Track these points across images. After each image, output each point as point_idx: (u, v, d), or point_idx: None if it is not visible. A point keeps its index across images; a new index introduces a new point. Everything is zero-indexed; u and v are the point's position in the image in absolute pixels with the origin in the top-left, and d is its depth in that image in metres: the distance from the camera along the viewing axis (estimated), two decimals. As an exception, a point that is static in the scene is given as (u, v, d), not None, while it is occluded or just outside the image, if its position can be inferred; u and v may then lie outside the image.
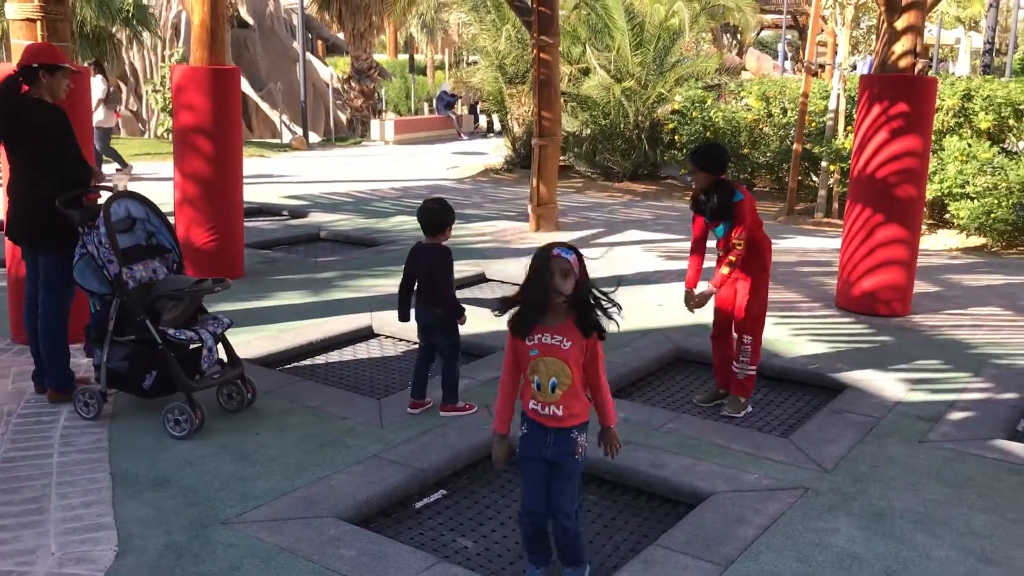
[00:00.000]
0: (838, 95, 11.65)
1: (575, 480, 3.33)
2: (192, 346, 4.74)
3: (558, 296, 3.17)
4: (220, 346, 4.84)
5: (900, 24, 6.78)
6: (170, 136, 21.35)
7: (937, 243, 10.28)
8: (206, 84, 7.40)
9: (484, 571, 3.61)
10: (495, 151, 19.09)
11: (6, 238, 5.28)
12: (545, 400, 3.25)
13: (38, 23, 5.57)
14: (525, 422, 3.35)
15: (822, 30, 13.34)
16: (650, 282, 8.12)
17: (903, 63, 6.84)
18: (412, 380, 5.05)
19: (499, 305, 3.38)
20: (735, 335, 5.17)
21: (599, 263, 8.82)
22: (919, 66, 6.83)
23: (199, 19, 7.57)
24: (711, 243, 5.22)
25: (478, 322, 6.64)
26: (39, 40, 5.54)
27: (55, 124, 4.69)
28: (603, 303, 3.27)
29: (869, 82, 6.95)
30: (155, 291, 4.60)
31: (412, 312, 5.03)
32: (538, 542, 3.39)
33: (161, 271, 4.77)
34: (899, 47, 6.83)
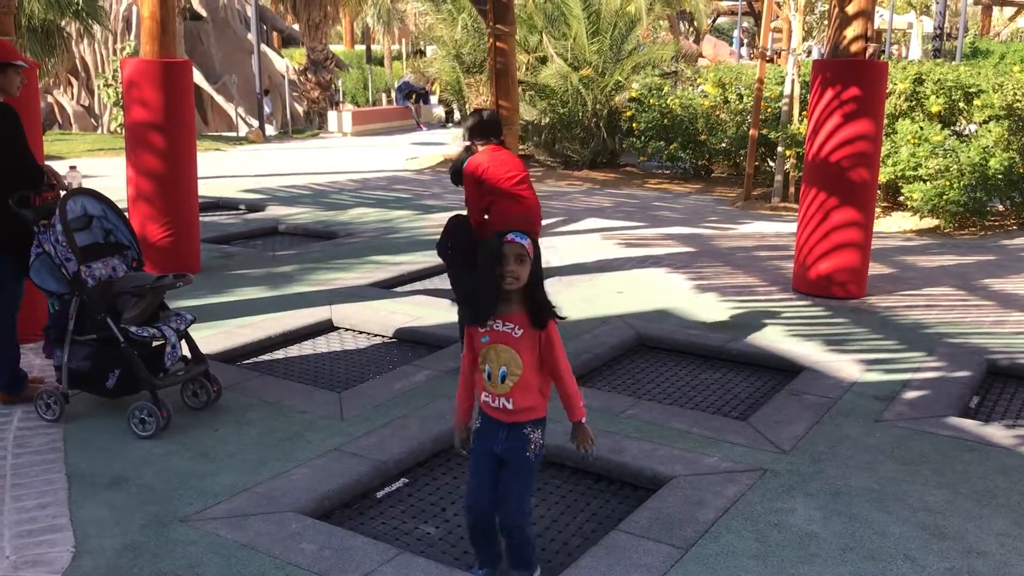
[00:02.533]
0: (792, 80, 11.77)
1: (526, 479, 3.19)
2: (155, 343, 4.68)
3: (513, 283, 3.10)
4: (183, 343, 4.77)
5: (851, 9, 6.85)
6: (123, 131, 21.11)
7: (891, 225, 10.43)
8: (157, 78, 7.28)
9: (447, 556, 3.61)
10: (454, 141, 19.02)
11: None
12: (495, 392, 3.15)
13: (-20, 17, 5.45)
14: (480, 415, 3.26)
15: (776, 16, 13.44)
16: (610, 269, 8.16)
17: (855, 47, 6.91)
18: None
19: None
20: None
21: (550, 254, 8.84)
22: (870, 50, 6.91)
23: (149, 11, 7.44)
24: None
25: (440, 313, 6.64)
26: (-18, 34, 5.43)
27: (6, 122, 4.58)
28: (549, 301, 3.18)
29: (822, 67, 7.03)
30: (115, 288, 4.53)
31: None
32: (483, 539, 3.28)
33: (120, 268, 4.69)
34: (850, 32, 6.90)
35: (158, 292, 4.69)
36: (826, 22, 15.78)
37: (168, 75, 7.33)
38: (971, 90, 10.86)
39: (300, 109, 25.38)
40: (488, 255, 3.13)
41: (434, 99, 26.89)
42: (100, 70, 23.62)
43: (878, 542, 3.58)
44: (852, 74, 6.84)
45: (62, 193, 4.72)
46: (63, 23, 19.25)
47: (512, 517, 3.18)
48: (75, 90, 24.52)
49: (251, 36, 23.95)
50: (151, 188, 7.42)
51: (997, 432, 4.59)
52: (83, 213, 4.68)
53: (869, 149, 6.93)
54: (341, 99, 26.53)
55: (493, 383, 3.16)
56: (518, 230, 3.13)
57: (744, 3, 34.25)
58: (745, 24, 39.10)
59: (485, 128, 5.60)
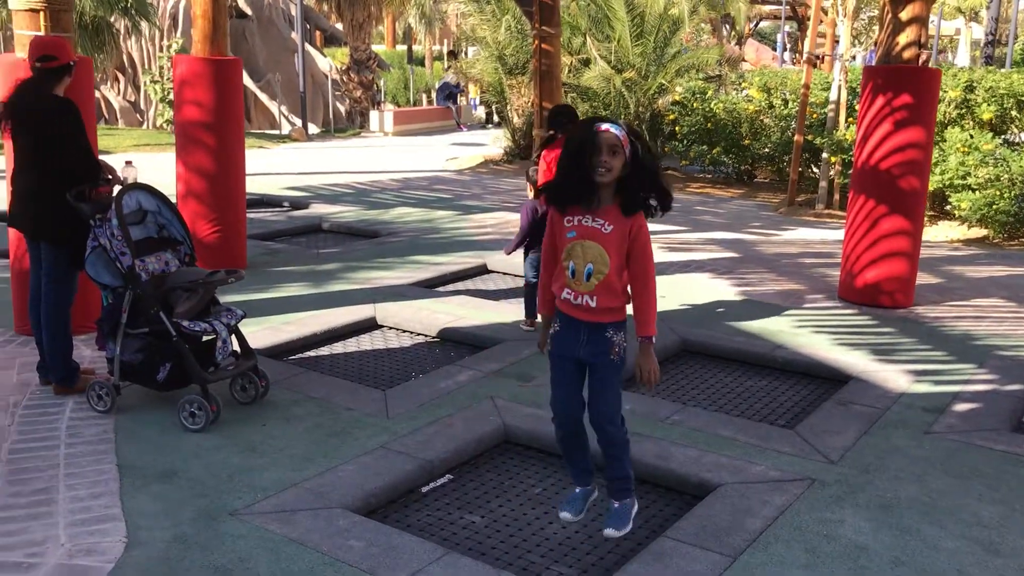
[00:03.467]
0: (839, 86, 11.64)
1: (614, 382, 3.14)
2: (206, 338, 4.73)
3: (604, 174, 2.95)
4: (233, 338, 4.82)
5: (905, 15, 6.76)
6: (169, 127, 21.38)
7: (938, 234, 10.28)
8: (209, 76, 7.37)
9: (495, 551, 3.63)
10: (494, 142, 19.05)
11: (9, 228, 5.27)
12: (578, 289, 3.05)
13: (41, 13, 5.54)
14: (557, 317, 3.16)
15: (821, 21, 13.31)
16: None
17: (907, 54, 6.82)
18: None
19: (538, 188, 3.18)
20: None
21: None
22: (923, 57, 6.82)
23: (201, 10, 7.54)
24: None
25: (482, 314, 6.65)
26: (42, 30, 5.52)
27: (69, 118, 4.67)
28: (661, 184, 3.02)
29: (873, 73, 6.94)
30: (168, 283, 4.59)
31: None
32: (575, 450, 3.23)
33: (173, 263, 4.75)
34: (903, 38, 6.81)
35: (210, 287, 4.74)
36: (875, 28, 15.62)
37: (219, 73, 7.41)
38: (1023, 98, 10.67)
39: (342, 108, 25.55)
40: (578, 143, 2.99)
41: (462, 100, 26.96)
42: (147, 66, 23.94)
43: (930, 556, 3.53)
44: (904, 81, 6.75)
45: (115, 188, 4.80)
46: (112, 19, 19.56)
47: (605, 416, 3.15)
48: (121, 86, 24.88)
49: (295, 35, 24.15)
50: (200, 185, 7.51)
51: (1052, 447, 4.51)
52: (138, 208, 4.75)
53: (919, 157, 6.84)
54: (383, 99, 26.65)
55: (577, 280, 3.06)
56: (612, 120, 3.01)
57: (787, 8, 33.97)
58: (788, 29, 38.77)
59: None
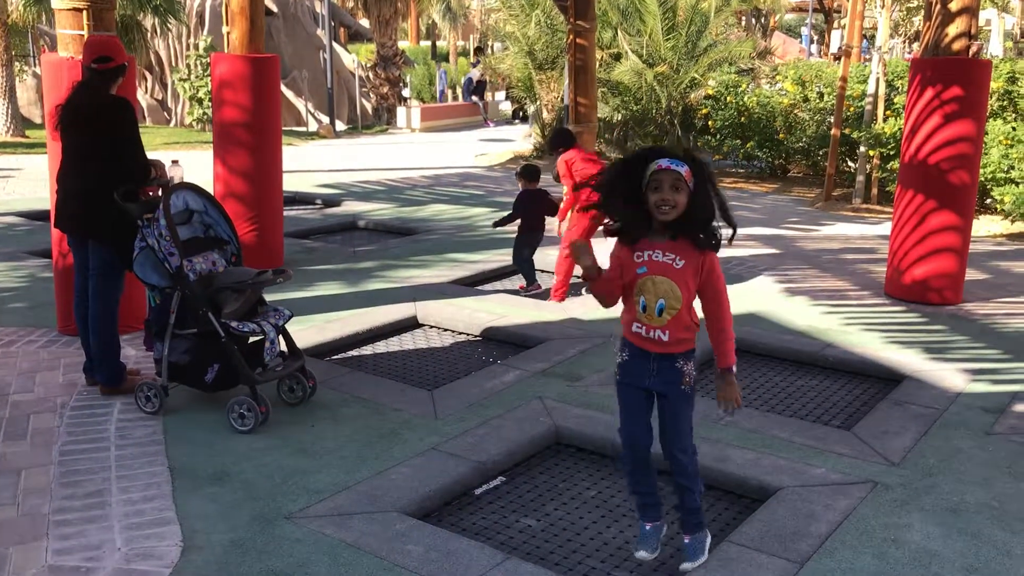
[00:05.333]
0: (877, 79, 11.46)
1: (686, 413, 3.14)
2: (253, 339, 4.69)
3: (668, 212, 2.92)
4: (281, 338, 4.78)
5: (955, 5, 6.61)
6: (198, 125, 21.45)
7: (980, 229, 10.09)
8: (248, 74, 7.32)
9: (554, 556, 3.57)
10: (523, 138, 18.98)
11: (54, 228, 5.25)
12: (650, 324, 3.03)
13: (84, 12, 5.52)
14: (625, 348, 3.15)
15: (843, 11, 13.11)
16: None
17: (957, 45, 6.68)
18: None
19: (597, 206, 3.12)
20: None
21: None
22: (974, 48, 6.67)
23: (238, 6, 7.50)
24: None
25: (524, 312, 6.58)
26: (84, 29, 5.51)
27: (128, 117, 4.65)
28: (730, 216, 2.99)
29: (922, 65, 6.80)
30: (216, 283, 4.55)
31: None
32: (644, 482, 3.21)
33: (220, 263, 4.71)
34: (953, 29, 6.66)
35: (258, 288, 4.70)
36: (914, 20, 15.41)
37: (257, 71, 7.37)
38: (1067, 90, 10.47)
39: (368, 105, 25.53)
40: (636, 181, 2.97)
41: (489, 95, 26.90)
42: (174, 64, 24.02)
43: (1004, 563, 3.43)
44: (954, 73, 6.61)
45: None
46: (141, 18, 19.65)
47: (677, 445, 3.15)
48: (149, 84, 24.98)
49: (320, 32, 24.15)
50: (239, 184, 7.48)
51: (1120, 449, 4.38)
52: (185, 208, 4.71)
53: (969, 151, 6.70)
54: (409, 95, 26.63)
55: (649, 315, 3.04)
56: (672, 155, 2.96)
57: (814, 0, 33.63)
58: (814, 21, 38.40)
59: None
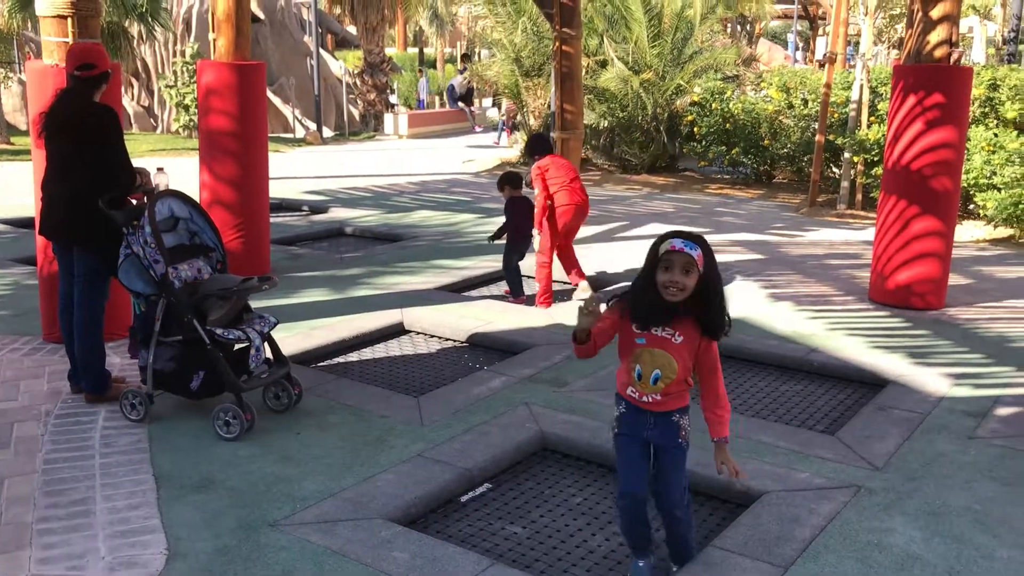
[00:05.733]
0: (861, 85, 11.54)
1: (681, 466, 3.20)
2: (238, 346, 4.69)
3: (676, 294, 2.98)
4: (266, 345, 4.78)
5: (936, 13, 6.68)
6: (184, 132, 21.39)
7: (963, 234, 10.16)
8: (235, 81, 7.32)
9: (540, 564, 3.58)
10: (511, 144, 19.00)
11: (39, 235, 5.24)
12: (643, 390, 3.11)
13: (69, 19, 5.51)
14: (622, 403, 3.21)
15: (828, 18, 13.20)
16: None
17: (938, 53, 6.74)
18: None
19: (609, 299, 3.20)
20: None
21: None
22: (955, 56, 6.73)
23: (224, 13, 7.49)
24: None
25: (510, 317, 6.60)
26: (69, 36, 5.50)
27: (113, 124, 4.65)
28: (726, 308, 3.07)
29: (904, 72, 6.86)
30: (202, 290, 4.54)
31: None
32: (637, 528, 3.26)
33: (206, 270, 4.71)
34: (934, 36, 6.72)
35: (243, 295, 4.70)
36: (897, 26, 15.53)
37: (243, 78, 7.37)
38: (1049, 96, 10.56)
39: (355, 111, 25.52)
40: (651, 261, 3.02)
41: (477, 102, 26.91)
42: (160, 71, 23.96)
43: (985, 566, 3.45)
44: (936, 80, 6.67)
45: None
46: (127, 24, 19.59)
47: (675, 505, 3.21)
48: (135, 91, 24.90)
49: (307, 39, 24.14)
50: (226, 192, 7.46)
51: (1100, 453, 4.43)
52: (170, 215, 4.71)
53: (951, 157, 6.76)
54: (396, 101, 26.63)
55: (643, 383, 3.11)
56: (688, 239, 3.00)
57: (799, 7, 33.83)
58: (799, 28, 38.63)
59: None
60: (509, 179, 7.46)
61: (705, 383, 3.17)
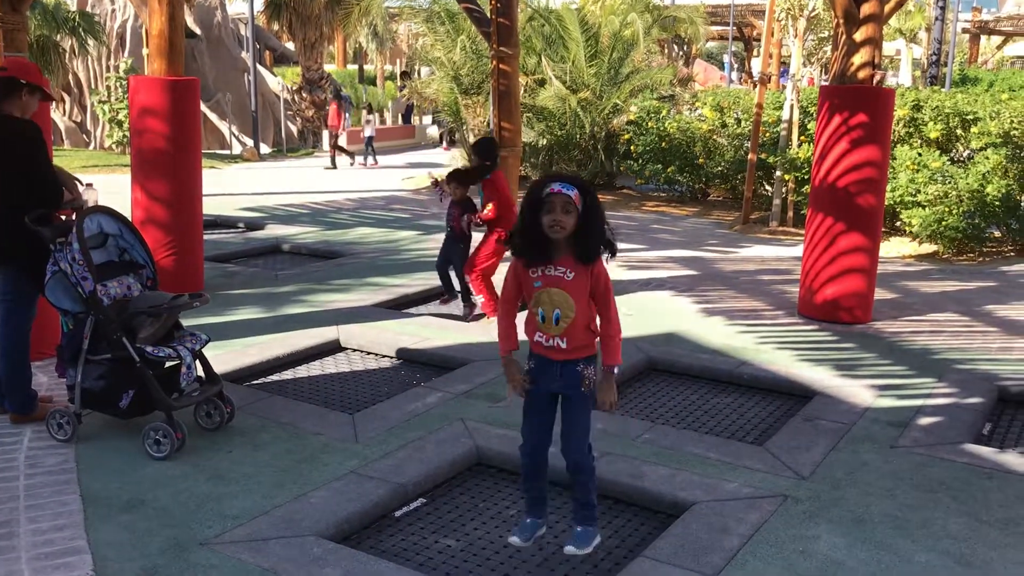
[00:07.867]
0: (791, 105, 11.83)
1: (586, 413, 3.41)
2: (169, 364, 4.63)
3: (559, 231, 3.20)
4: (198, 363, 4.72)
5: (859, 36, 6.90)
6: (117, 148, 21.01)
7: (890, 250, 10.47)
8: (166, 96, 7.24)
9: (468, 565, 3.64)
10: (451, 161, 19.04)
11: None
12: (549, 332, 3.33)
13: (-6, 33, 5.43)
14: (531, 357, 3.43)
15: (763, 40, 13.54)
16: (615, 292, 8.13)
17: (862, 74, 6.96)
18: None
19: (508, 240, 3.41)
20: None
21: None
22: (877, 77, 6.96)
23: (157, 29, 7.42)
24: None
25: (446, 334, 6.61)
26: (-5, 50, 5.41)
27: (31, 140, 4.56)
28: (608, 237, 3.30)
29: (829, 93, 7.07)
30: (131, 308, 4.48)
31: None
32: (536, 478, 3.49)
33: (135, 287, 4.64)
34: (858, 59, 6.94)
35: (174, 312, 4.65)
36: (825, 48, 15.95)
37: (176, 94, 7.29)
38: (968, 117, 10.95)
39: (294, 128, 25.36)
40: (534, 204, 3.24)
41: (415, 120, 26.88)
42: (93, 86, 23.54)
43: (905, 570, 3.56)
44: (860, 101, 6.88)
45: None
46: (58, 38, 19.23)
47: (579, 451, 3.41)
48: (67, 106, 24.43)
49: (245, 55, 23.94)
50: (158, 209, 7.35)
51: (1014, 459, 4.59)
52: (99, 231, 4.64)
53: (876, 175, 6.97)
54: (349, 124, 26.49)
55: (547, 325, 3.33)
56: (565, 180, 3.25)
57: (735, 29, 34.56)
58: (735, 49, 39.45)
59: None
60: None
61: (599, 311, 3.37)
